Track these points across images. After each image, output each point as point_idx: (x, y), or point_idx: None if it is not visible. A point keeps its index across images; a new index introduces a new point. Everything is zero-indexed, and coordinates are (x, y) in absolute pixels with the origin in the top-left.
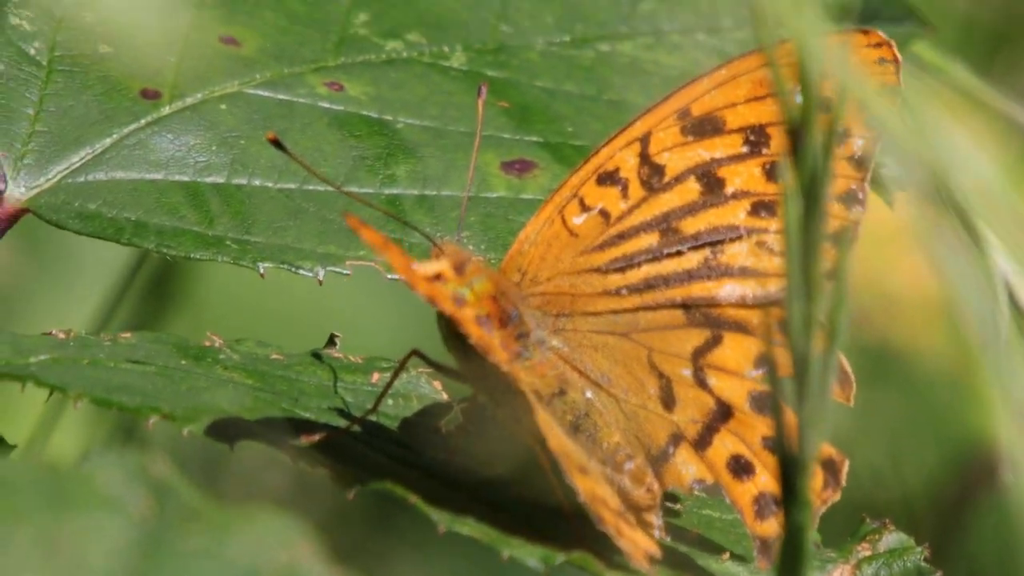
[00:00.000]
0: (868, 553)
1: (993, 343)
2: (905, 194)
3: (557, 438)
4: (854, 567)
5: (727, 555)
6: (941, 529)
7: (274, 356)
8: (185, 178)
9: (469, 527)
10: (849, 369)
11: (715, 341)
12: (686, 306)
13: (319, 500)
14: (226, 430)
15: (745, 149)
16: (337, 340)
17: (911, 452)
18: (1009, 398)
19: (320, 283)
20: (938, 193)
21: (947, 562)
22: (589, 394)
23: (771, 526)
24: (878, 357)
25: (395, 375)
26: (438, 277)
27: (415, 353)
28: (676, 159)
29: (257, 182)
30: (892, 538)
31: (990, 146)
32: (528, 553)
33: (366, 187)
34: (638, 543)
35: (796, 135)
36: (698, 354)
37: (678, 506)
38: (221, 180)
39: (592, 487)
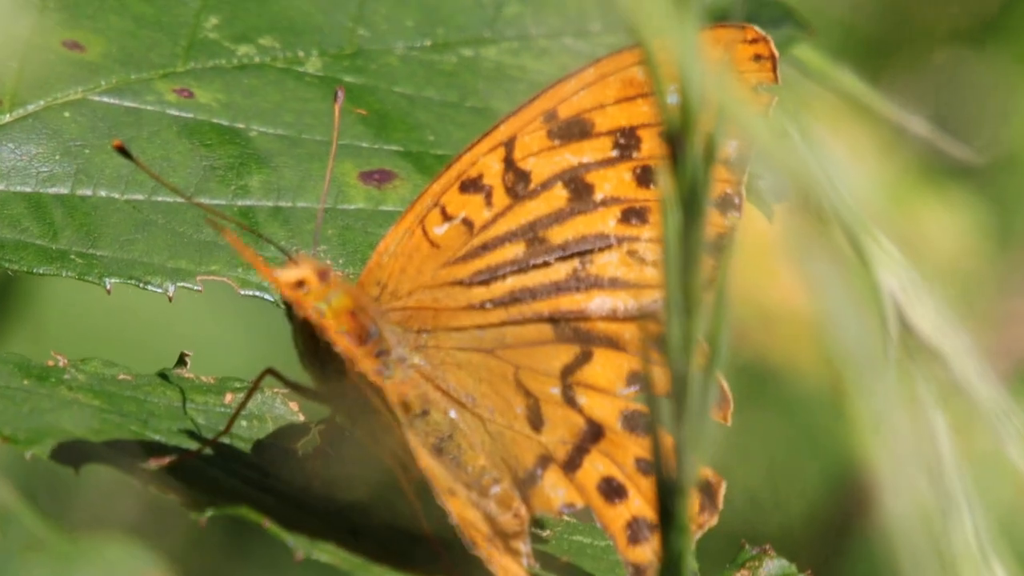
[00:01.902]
0: None
1: (876, 362)
2: (783, 206)
3: (424, 458)
4: None
5: None
6: (822, 555)
7: (122, 376)
8: (27, 189)
9: (328, 553)
10: (727, 387)
11: (585, 357)
12: (554, 320)
13: (171, 527)
14: (71, 453)
15: (615, 153)
16: (188, 359)
17: (790, 475)
18: (881, 421)
19: (170, 299)
20: (816, 205)
21: None
22: (453, 414)
23: (645, 552)
24: (755, 375)
25: (248, 395)
26: (300, 284)
27: (270, 372)
28: (543, 164)
29: (103, 193)
30: (773, 565)
31: (873, 155)
32: None
33: (218, 198)
34: (508, 570)
35: (674, 138)
36: (567, 371)
37: (547, 532)
38: (65, 191)
39: (462, 509)
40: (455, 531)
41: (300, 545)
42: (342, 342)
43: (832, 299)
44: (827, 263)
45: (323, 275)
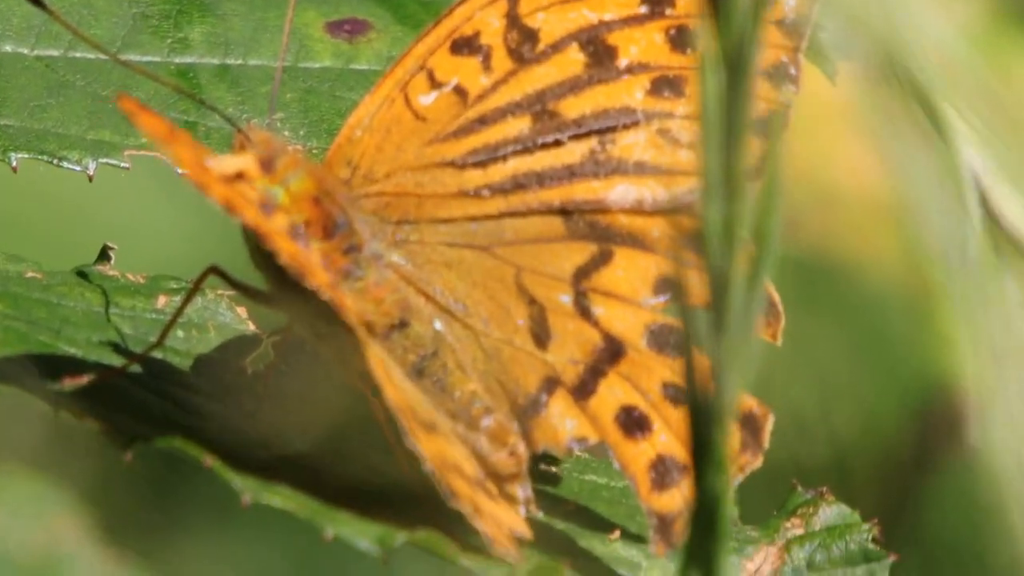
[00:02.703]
0: (800, 531)
1: (959, 257)
2: (849, 65)
3: (395, 386)
4: (782, 549)
5: (617, 533)
6: (892, 499)
7: (30, 274)
8: None
9: (281, 498)
10: (777, 298)
11: (603, 258)
12: (566, 212)
13: (86, 461)
14: None
15: (643, 9)
16: (112, 253)
17: (853, 398)
18: (978, 329)
19: (90, 179)
20: (891, 65)
21: (901, 541)
22: (438, 325)
23: (673, 499)
24: (813, 273)
25: (187, 299)
26: (239, 176)
27: (213, 270)
28: (554, 21)
29: (8, 48)
30: (830, 512)
31: (958, 6)
32: (358, 532)
33: (151, 54)
34: (500, 521)
35: None
36: (580, 275)
37: (554, 469)
38: None
39: (441, 450)
40: (431, 478)
41: (247, 487)
42: (288, 248)
43: (915, 178)
44: (907, 135)
45: (269, 161)
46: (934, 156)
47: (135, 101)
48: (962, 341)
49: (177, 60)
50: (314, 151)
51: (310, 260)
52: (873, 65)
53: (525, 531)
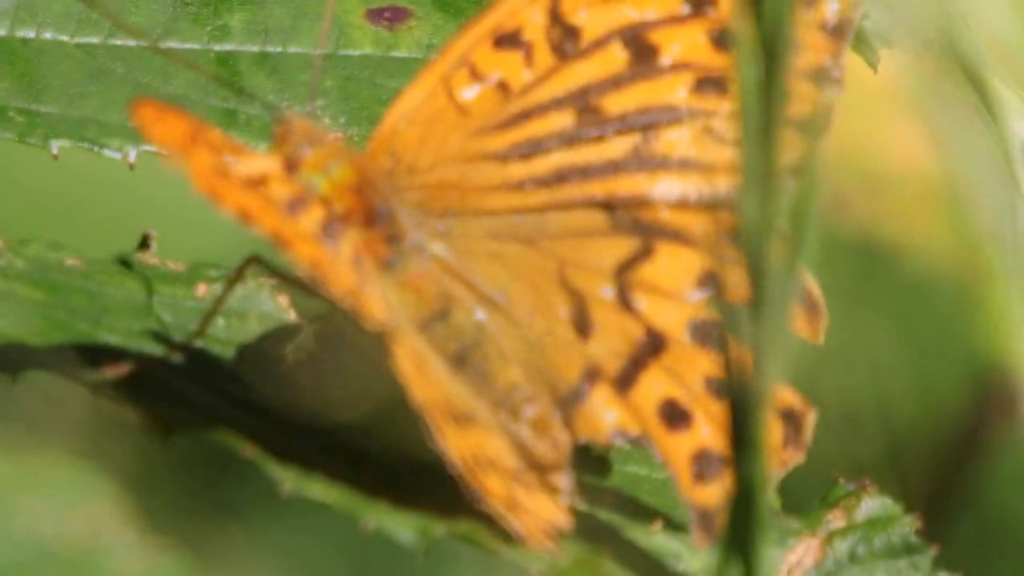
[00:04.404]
0: (842, 524)
1: (1011, 237)
2: (892, 51)
3: (425, 382)
4: (823, 542)
5: (660, 523)
6: (939, 490)
7: (70, 262)
8: None
9: (321, 489)
10: (818, 296)
11: (646, 253)
12: (609, 206)
13: (127, 451)
14: (7, 358)
15: (686, 9)
16: (152, 241)
17: (901, 385)
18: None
19: (131, 166)
20: (940, 45)
21: (946, 534)
22: (480, 316)
23: (714, 492)
24: (860, 255)
25: (228, 287)
26: (260, 182)
27: (254, 259)
28: (596, 19)
29: (49, 35)
30: (873, 504)
31: None
32: (399, 523)
33: (190, 42)
34: (539, 515)
35: None
36: (623, 269)
37: (596, 460)
38: (2, 32)
39: (476, 444)
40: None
41: (286, 479)
42: (309, 253)
43: (966, 157)
44: (956, 113)
45: (293, 162)
46: (985, 135)
47: (155, 107)
48: (1016, 321)
49: (217, 48)
50: (355, 139)
51: (333, 265)
52: (923, 45)
53: (565, 522)
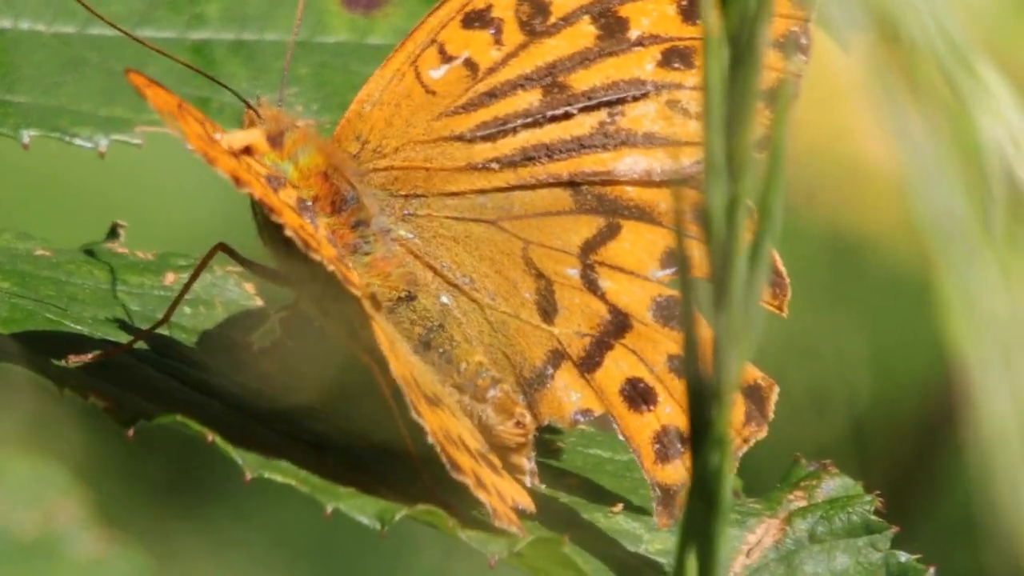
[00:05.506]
0: (803, 503)
1: (962, 231)
2: (862, 35)
3: (400, 359)
4: (783, 522)
5: (620, 506)
6: (899, 472)
7: (39, 252)
8: None
9: (283, 473)
10: (783, 270)
11: (610, 232)
12: (574, 185)
13: (87, 439)
14: None
15: None
16: (121, 231)
17: (861, 372)
18: (973, 305)
19: (101, 156)
20: (904, 33)
21: (905, 514)
22: (445, 299)
23: (676, 471)
24: (825, 246)
25: (195, 275)
26: (247, 150)
27: (221, 247)
28: None
29: (25, 25)
30: (834, 484)
31: None
32: (360, 507)
33: (166, 31)
34: (504, 494)
35: None
36: (588, 248)
37: (559, 443)
38: None
39: (444, 423)
40: (434, 450)
41: (249, 463)
42: (294, 221)
43: (922, 152)
44: (917, 106)
45: (278, 136)
46: (953, 128)
47: (144, 77)
48: (966, 317)
49: (193, 35)
50: (327, 126)
51: (316, 234)
52: (887, 35)
53: (528, 503)
